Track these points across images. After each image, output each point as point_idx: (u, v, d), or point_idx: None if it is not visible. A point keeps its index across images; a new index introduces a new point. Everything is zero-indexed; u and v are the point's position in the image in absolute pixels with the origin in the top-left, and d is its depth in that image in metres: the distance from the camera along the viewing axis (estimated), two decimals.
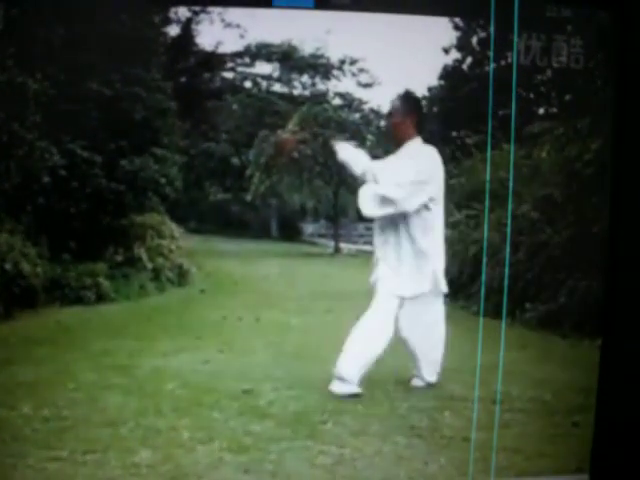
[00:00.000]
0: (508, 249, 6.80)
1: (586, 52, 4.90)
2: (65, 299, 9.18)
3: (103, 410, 5.89)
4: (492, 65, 5.34)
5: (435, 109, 14.21)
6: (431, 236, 6.95)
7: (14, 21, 4.89)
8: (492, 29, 4.71)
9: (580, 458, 5.17)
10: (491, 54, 5.07)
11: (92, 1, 7.31)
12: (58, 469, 4.86)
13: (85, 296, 9.32)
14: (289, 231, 14.90)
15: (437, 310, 6.96)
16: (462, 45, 12.36)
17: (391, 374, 6.91)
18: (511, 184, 6.70)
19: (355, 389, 6.57)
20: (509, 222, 6.66)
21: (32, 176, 8.85)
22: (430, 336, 6.87)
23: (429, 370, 6.89)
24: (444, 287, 6.97)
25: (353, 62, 13.88)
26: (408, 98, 7.20)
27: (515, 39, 4.74)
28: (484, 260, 6.76)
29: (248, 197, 13.27)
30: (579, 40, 4.88)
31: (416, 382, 6.93)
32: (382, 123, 14.58)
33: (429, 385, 6.83)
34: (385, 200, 6.81)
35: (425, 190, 6.80)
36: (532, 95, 7.39)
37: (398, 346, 8.02)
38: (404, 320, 6.89)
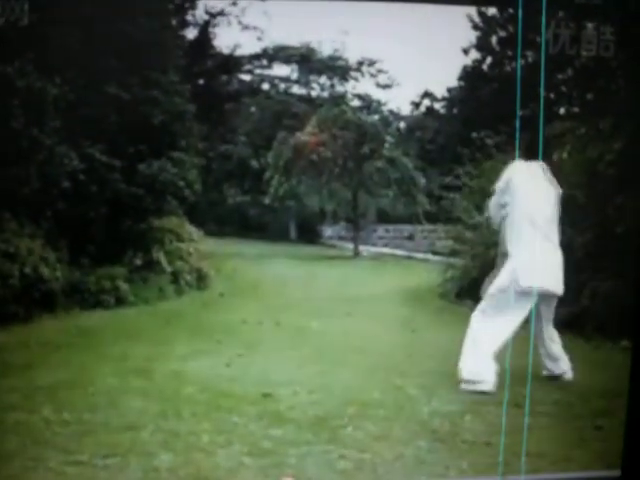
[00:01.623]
0: None
1: (617, 39, 4.81)
2: (84, 303, 9.20)
3: (123, 414, 5.87)
4: (519, 55, 5.24)
5: (455, 110, 14.19)
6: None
7: (33, 26, 4.86)
8: (520, 15, 4.63)
9: (603, 462, 5.11)
10: (518, 42, 4.98)
11: (111, 5, 7.33)
12: (78, 473, 4.83)
13: (104, 300, 9.33)
14: (308, 234, 14.90)
15: None
16: (482, 45, 12.33)
17: (412, 378, 6.86)
18: None
19: None
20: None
21: (52, 181, 8.86)
22: None
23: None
24: None
25: (371, 63, 13.88)
26: None
27: (543, 27, 4.65)
28: None
29: (267, 200, 13.27)
30: (609, 27, 4.79)
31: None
32: (402, 124, 14.58)
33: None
34: None
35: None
36: (553, 95, 7.36)
37: (417, 352, 8.02)
38: None
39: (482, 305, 6.98)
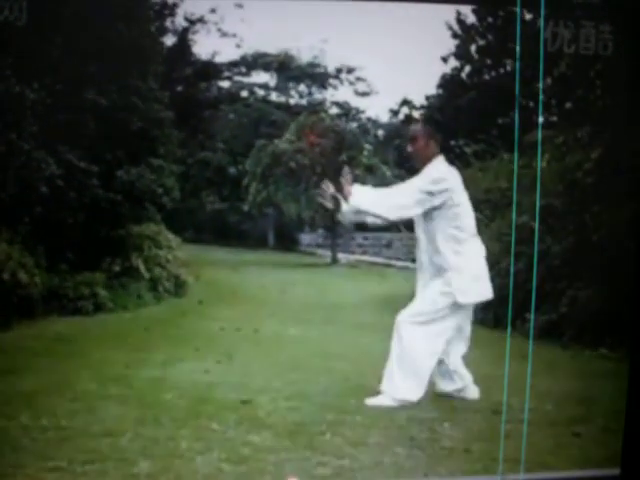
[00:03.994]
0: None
1: (615, 38, 4.82)
2: (63, 309, 9.18)
3: (102, 420, 5.85)
4: (518, 55, 5.22)
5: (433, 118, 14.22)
6: None
7: (11, 31, 4.87)
8: (518, 14, 4.64)
9: (582, 468, 5.15)
10: (517, 40, 4.98)
11: (89, 11, 7.31)
12: (57, 479, 4.82)
13: (83, 306, 9.31)
14: (286, 241, 14.90)
15: None
16: (461, 53, 12.37)
17: None
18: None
19: None
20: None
21: (29, 186, 8.83)
22: None
23: None
24: None
25: (350, 71, 13.91)
26: (430, 121, 7.07)
27: (542, 26, 4.66)
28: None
29: (245, 207, 13.28)
30: (607, 26, 4.80)
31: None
32: (380, 132, 14.61)
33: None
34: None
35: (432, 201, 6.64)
36: (532, 103, 7.40)
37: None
38: None
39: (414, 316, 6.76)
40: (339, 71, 13.94)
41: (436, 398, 6.65)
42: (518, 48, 5.09)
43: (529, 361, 5.51)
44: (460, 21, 12.17)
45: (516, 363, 6.23)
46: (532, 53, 4.91)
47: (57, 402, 6.19)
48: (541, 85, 5.02)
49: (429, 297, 6.76)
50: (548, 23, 4.74)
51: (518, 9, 4.62)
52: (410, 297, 11.36)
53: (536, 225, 6.27)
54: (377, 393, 6.61)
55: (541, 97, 5.07)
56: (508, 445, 5.23)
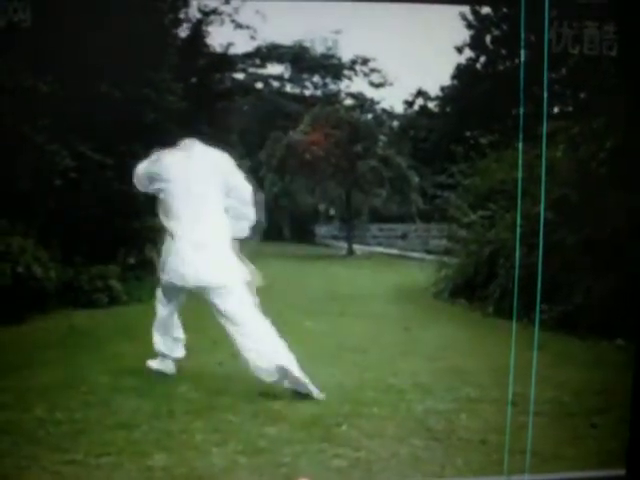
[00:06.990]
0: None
1: (619, 38, 4.79)
2: (78, 302, 9.18)
3: (116, 413, 5.85)
4: (523, 51, 5.20)
5: (448, 109, 14.21)
6: None
7: (22, 24, 4.85)
8: (522, 14, 4.60)
9: (599, 459, 5.12)
10: (521, 39, 4.95)
11: (103, 2, 7.30)
12: (72, 472, 4.81)
13: (98, 299, 9.32)
14: (302, 233, 14.88)
15: None
16: (475, 44, 12.34)
17: (407, 377, 6.84)
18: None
19: None
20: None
21: (43, 179, 8.83)
22: None
23: None
24: None
25: (365, 62, 13.88)
26: None
27: (546, 26, 4.63)
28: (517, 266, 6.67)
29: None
30: (612, 27, 4.77)
31: None
32: (395, 123, 14.59)
33: None
34: None
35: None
36: (546, 94, 7.38)
37: (411, 350, 8.00)
38: None
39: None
40: (353, 62, 13.93)
41: (453, 389, 6.64)
42: (522, 51, 5.06)
43: (534, 351, 5.47)
44: (475, 11, 12.14)
45: (532, 354, 6.23)
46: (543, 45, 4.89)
47: (71, 395, 6.20)
48: (545, 89, 4.98)
49: None
50: (552, 24, 4.71)
51: (522, 9, 4.58)
52: (425, 288, 11.40)
53: (541, 213, 6.24)
54: (391, 385, 6.61)
55: (545, 103, 5.03)
56: (524, 436, 5.20)
